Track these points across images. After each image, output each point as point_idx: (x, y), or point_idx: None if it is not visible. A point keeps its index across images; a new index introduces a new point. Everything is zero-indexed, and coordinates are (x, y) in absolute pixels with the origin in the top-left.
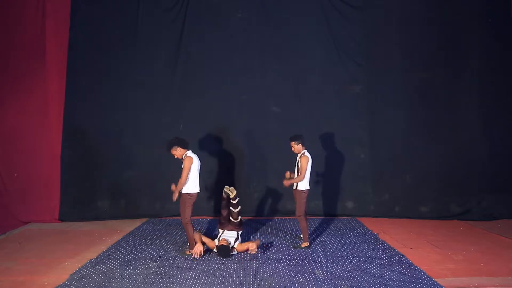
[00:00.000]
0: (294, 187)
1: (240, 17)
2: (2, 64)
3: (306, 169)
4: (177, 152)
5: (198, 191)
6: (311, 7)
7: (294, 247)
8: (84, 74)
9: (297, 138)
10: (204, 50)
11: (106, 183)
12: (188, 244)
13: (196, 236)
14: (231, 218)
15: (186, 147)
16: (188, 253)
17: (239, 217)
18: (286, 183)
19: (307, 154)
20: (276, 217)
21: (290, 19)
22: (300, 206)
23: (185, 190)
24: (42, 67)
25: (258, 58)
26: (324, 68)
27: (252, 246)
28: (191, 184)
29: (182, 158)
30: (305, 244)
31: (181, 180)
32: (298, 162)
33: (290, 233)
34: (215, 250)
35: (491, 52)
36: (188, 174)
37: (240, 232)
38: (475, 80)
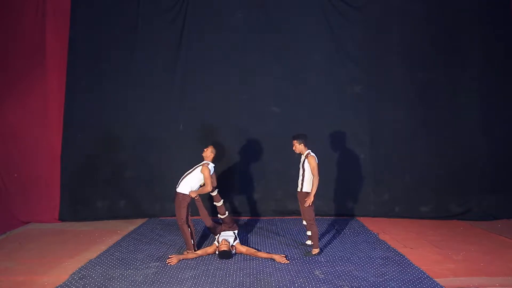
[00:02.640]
0: (299, 189)
1: (240, 17)
2: (2, 64)
3: (316, 168)
4: (208, 154)
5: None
6: (311, 7)
7: (306, 255)
8: (84, 74)
9: (300, 137)
10: (204, 50)
11: (106, 183)
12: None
13: (192, 254)
14: (219, 215)
15: (214, 158)
16: (185, 253)
17: (227, 212)
18: (308, 201)
19: (313, 154)
20: (276, 217)
21: (290, 19)
22: (310, 210)
23: (181, 190)
24: (42, 67)
25: (258, 58)
26: (324, 68)
27: (279, 259)
28: (188, 186)
29: (204, 162)
30: (316, 251)
31: (207, 188)
32: (303, 163)
33: (290, 234)
34: (217, 252)
35: (491, 52)
36: (209, 183)
37: (236, 232)
38: (475, 80)
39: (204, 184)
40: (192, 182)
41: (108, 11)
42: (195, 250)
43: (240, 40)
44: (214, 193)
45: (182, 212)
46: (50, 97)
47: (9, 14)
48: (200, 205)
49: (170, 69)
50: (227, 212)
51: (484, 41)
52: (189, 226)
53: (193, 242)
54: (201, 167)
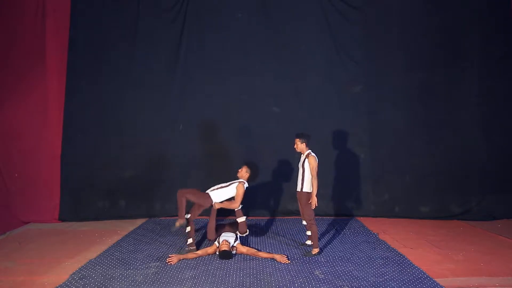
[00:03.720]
0: (299, 189)
1: (240, 17)
2: (2, 64)
3: (316, 169)
4: (243, 173)
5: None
6: (311, 7)
7: (305, 255)
8: (84, 74)
9: (303, 136)
10: (204, 50)
11: (106, 183)
12: (188, 241)
13: (192, 254)
14: (238, 233)
15: (248, 177)
16: (177, 224)
17: (247, 231)
18: (313, 203)
19: (313, 154)
20: (276, 217)
21: (290, 19)
22: (310, 210)
23: (211, 196)
24: (42, 67)
25: (258, 58)
26: (324, 68)
27: (280, 258)
28: (218, 197)
29: (241, 180)
30: (316, 251)
31: (235, 205)
32: (303, 163)
33: (290, 234)
34: (217, 252)
35: (491, 52)
36: (240, 200)
37: (238, 235)
38: (475, 80)
39: (232, 200)
40: (223, 196)
41: (108, 11)
42: (195, 249)
43: (240, 40)
44: (238, 208)
45: (195, 213)
46: (50, 97)
47: (9, 14)
48: (213, 216)
49: (170, 69)
50: (247, 231)
51: (484, 41)
52: (190, 226)
53: (193, 241)
54: (237, 183)
